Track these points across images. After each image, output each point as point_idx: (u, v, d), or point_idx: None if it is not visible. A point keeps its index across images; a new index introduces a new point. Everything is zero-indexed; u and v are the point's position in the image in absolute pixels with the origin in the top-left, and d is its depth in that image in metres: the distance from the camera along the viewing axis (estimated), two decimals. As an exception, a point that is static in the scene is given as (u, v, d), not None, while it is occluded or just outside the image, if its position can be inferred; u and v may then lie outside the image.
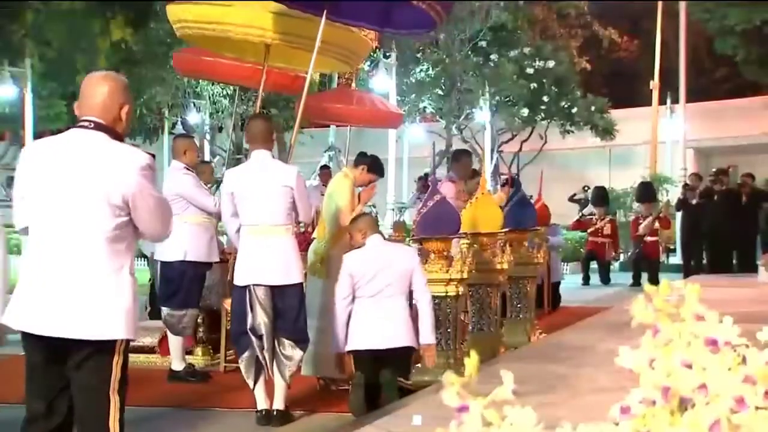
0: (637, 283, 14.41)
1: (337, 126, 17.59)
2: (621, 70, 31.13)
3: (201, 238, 6.37)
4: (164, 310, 6.42)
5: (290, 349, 4.98)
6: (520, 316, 8.07)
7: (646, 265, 14.46)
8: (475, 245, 7.17)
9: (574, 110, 22.17)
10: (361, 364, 5.07)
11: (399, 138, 22.06)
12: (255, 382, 5.03)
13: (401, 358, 5.14)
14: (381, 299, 5.10)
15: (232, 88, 20.60)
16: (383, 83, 20.30)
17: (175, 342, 6.42)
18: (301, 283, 5.09)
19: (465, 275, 6.23)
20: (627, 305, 1.38)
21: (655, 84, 23.89)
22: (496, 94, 22.11)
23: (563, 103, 22.18)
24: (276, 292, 4.97)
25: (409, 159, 25.12)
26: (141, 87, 22.77)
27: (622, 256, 18.08)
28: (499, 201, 8.01)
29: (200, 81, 20.81)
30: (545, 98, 22.07)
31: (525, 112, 22.20)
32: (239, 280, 5.02)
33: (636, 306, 1.34)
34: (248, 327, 4.93)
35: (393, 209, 20.32)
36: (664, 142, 24.09)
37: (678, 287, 1.35)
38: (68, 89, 23.61)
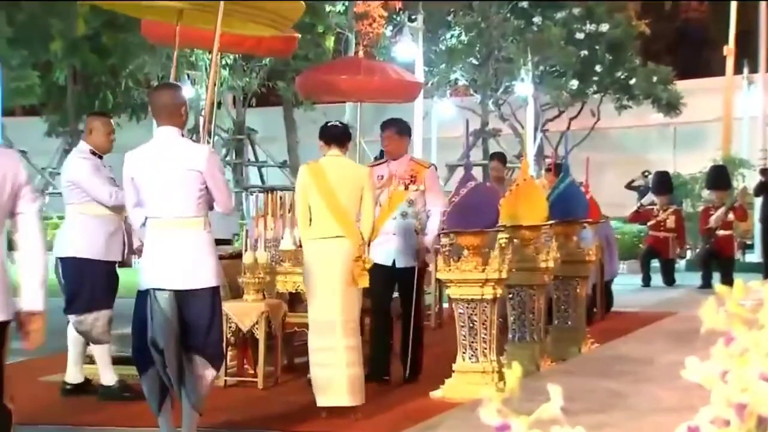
0: (706, 284, 14.33)
1: (345, 102, 17.58)
2: (688, 34, 30.89)
3: (98, 233, 6.36)
4: (71, 319, 6.42)
5: (201, 368, 4.85)
6: (569, 322, 8.06)
7: (718, 264, 14.38)
8: (515, 240, 7.16)
9: (632, 82, 22.04)
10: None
11: (426, 115, 22.05)
12: (159, 407, 4.88)
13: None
14: None
15: (231, 57, 20.66)
16: (408, 51, 20.27)
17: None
18: (216, 287, 4.94)
19: (504, 275, 6.24)
20: (695, 310, 1.38)
21: (729, 50, 23.65)
22: (540, 64, 22.02)
23: (619, 74, 22.05)
24: (182, 298, 4.83)
25: (438, 140, 25.11)
26: (126, 56, 22.94)
27: (688, 253, 17.99)
28: (542, 188, 8.00)
29: (195, 50, 20.90)
30: (598, 68, 21.95)
31: (574, 84, 22.09)
32: (142, 282, 4.91)
33: (706, 311, 1.34)
34: (148, 339, 4.80)
35: (420, 198, 20.32)
36: (740, 118, 23.89)
37: (755, 289, 1.35)
38: (41, 58, 23.83)
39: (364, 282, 5.75)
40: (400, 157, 6.97)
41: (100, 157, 6.57)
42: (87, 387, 6.52)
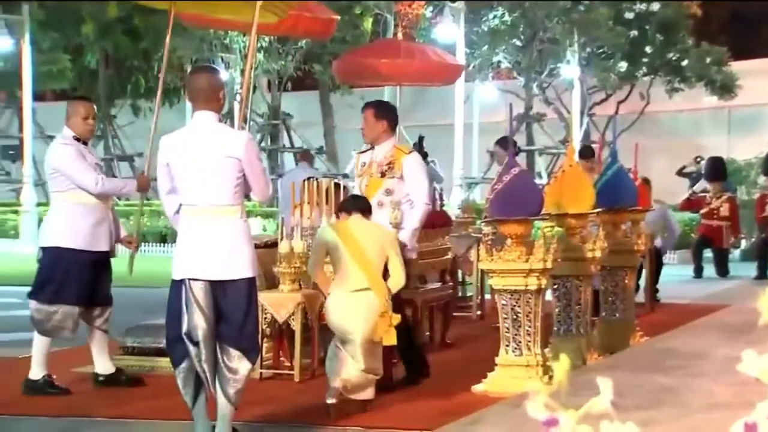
0: (762, 275, 14.19)
1: (384, 85, 17.57)
2: (744, 12, 30.43)
3: (82, 222, 6.35)
4: (31, 304, 6.42)
5: (236, 361, 4.85)
6: (616, 314, 8.02)
7: (774, 254, 14.23)
8: (560, 228, 7.13)
9: (685, 63, 21.80)
10: None
11: (467, 99, 21.98)
12: (194, 400, 4.91)
13: None
14: None
15: (267, 39, 20.74)
16: (449, 32, 20.21)
17: (38, 344, 6.43)
18: (252, 278, 4.96)
19: (548, 265, 6.21)
20: (751, 302, 1.37)
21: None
22: (587, 45, 21.85)
23: (671, 55, 21.83)
24: (218, 288, 4.86)
25: (480, 125, 25.02)
26: (158, 39, 23.10)
27: (743, 243, 17.80)
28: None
29: (229, 32, 21.00)
30: (648, 49, 21.74)
31: (623, 66, 21.91)
32: (176, 272, 4.91)
33: (764, 302, 1.33)
34: (183, 331, 4.81)
35: (461, 185, 20.29)
36: (798, 101, 23.56)
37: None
38: (73, 41, 24.06)
39: (390, 339, 5.77)
40: (382, 143, 6.74)
41: (85, 143, 6.57)
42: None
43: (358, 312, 5.67)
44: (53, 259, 6.38)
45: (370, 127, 6.76)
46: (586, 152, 11.31)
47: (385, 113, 6.83)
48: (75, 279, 6.35)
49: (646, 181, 10.19)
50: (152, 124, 7.14)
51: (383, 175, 6.66)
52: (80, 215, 6.37)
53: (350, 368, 5.67)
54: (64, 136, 6.55)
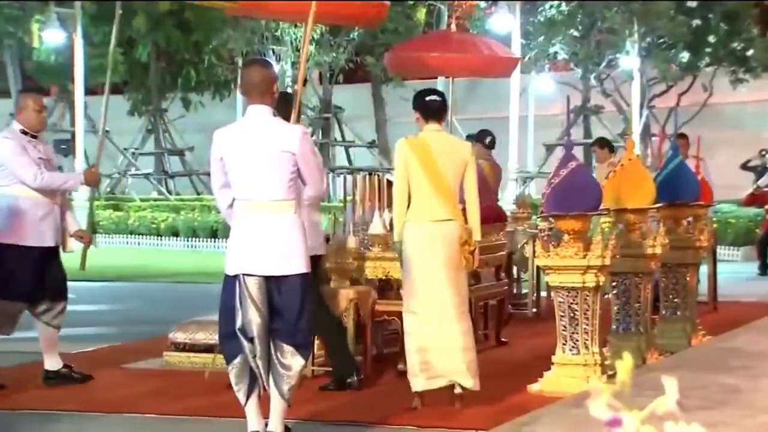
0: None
1: (437, 77, 17.55)
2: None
3: (26, 217, 6.36)
4: None
5: (290, 357, 4.88)
6: (678, 313, 7.93)
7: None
8: (619, 224, 7.06)
9: (750, 53, 21.45)
10: None
11: (523, 91, 21.87)
12: (247, 397, 4.93)
13: None
14: None
15: (318, 31, 20.80)
16: (504, 23, 20.11)
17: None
18: (306, 274, 4.98)
19: (607, 262, 6.15)
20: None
21: None
22: (647, 35, 21.59)
23: (735, 45, 21.49)
24: (272, 284, 4.88)
25: (535, 117, 24.88)
26: (210, 31, 23.31)
27: (810, 239, 17.49)
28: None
29: (280, 23, 21.10)
30: (711, 38, 21.43)
31: (684, 56, 21.62)
32: (229, 267, 4.94)
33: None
34: (237, 327, 4.85)
35: (516, 179, 20.20)
36: None
37: None
38: (124, 34, 24.34)
39: (473, 265, 5.83)
40: None
41: (34, 137, 6.60)
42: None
43: (442, 245, 5.69)
44: None
45: None
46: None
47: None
48: (18, 275, 6.37)
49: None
50: (101, 121, 7.16)
51: None
52: (24, 210, 6.39)
53: (450, 364, 5.70)
54: (10, 129, 6.62)
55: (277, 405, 4.93)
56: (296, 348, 4.92)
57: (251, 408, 4.97)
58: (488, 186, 9.22)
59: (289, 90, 21.94)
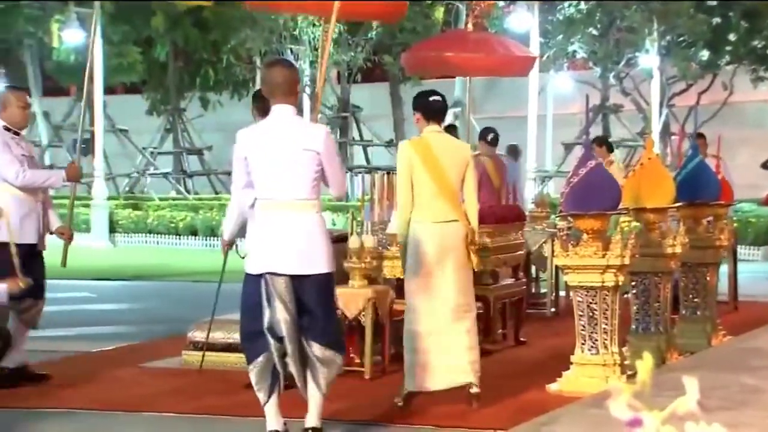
0: None
1: (454, 77, 17.54)
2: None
3: (10, 214, 6.28)
4: None
5: (326, 352, 4.93)
6: (698, 312, 7.90)
7: None
8: (639, 223, 7.03)
9: (770, 51, 21.33)
10: None
11: (542, 90, 21.82)
12: (268, 396, 4.94)
13: None
14: None
15: (336, 30, 20.80)
16: (522, 22, 20.07)
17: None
18: (330, 273, 5.00)
19: (626, 261, 6.13)
20: None
21: None
22: (667, 33, 21.50)
23: (756, 43, 21.37)
24: (296, 283, 4.90)
25: (554, 116, 24.81)
26: (228, 31, 23.35)
27: (831, 239, 17.38)
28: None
29: (299, 22, 21.12)
30: (731, 36, 21.31)
31: (704, 54, 21.51)
32: (252, 267, 4.96)
33: None
34: (265, 326, 4.86)
35: (534, 179, 20.16)
36: None
37: None
38: (142, 33, 24.45)
39: (480, 264, 5.86)
40: None
41: (17, 134, 6.61)
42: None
43: (449, 245, 5.73)
44: None
45: None
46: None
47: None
48: None
49: None
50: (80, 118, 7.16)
51: None
52: (7, 207, 6.37)
53: (453, 364, 5.71)
54: None
55: (315, 400, 4.97)
56: (329, 346, 4.96)
57: (271, 407, 4.98)
58: (491, 183, 9.22)
59: (308, 89, 22.01)
